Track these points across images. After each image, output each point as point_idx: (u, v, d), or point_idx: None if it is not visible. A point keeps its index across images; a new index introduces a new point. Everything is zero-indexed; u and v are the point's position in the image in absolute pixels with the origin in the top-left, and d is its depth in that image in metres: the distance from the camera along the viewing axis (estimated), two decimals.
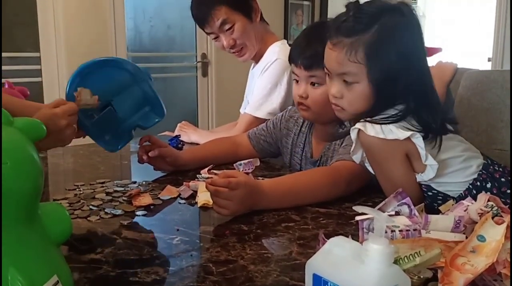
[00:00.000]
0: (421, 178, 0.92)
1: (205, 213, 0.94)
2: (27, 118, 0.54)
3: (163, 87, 3.46)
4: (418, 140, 0.87)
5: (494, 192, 0.91)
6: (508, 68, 3.97)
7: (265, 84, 1.60)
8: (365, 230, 0.72)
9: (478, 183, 0.93)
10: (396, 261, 0.50)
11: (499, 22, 4.53)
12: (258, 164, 1.32)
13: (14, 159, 0.48)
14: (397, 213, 0.76)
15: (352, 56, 0.90)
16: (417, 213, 0.76)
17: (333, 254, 0.50)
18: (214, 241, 0.80)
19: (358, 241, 0.53)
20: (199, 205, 0.97)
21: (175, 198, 1.02)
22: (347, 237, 0.53)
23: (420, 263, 0.55)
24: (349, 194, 1.01)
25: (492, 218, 0.64)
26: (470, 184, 0.93)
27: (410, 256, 0.54)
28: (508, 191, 0.93)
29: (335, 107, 0.98)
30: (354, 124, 0.92)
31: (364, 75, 0.90)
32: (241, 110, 1.80)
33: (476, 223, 0.67)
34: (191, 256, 0.74)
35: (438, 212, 0.82)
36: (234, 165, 1.28)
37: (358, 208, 0.56)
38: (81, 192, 1.06)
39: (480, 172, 0.94)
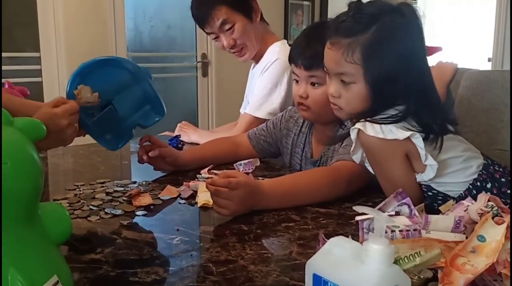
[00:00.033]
0: (421, 178, 0.92)
1: (205, 213, 0.94)
2: (27, 118, 0.54)
3: (163, 87, 3.45)
4: (418, 140, 0.87)
5: (494, 192, 0.91)
6: (508, 68, 3.97)
7: (265, 84, 1.60)
8: (365, 230, 0.72)
9: (478, 183, 0.93)
10: (396, 261, 0.50)
11: (499, 22, 4.53)
12: (258, 164, 1.32)
13: (14, 159, 0.48)
14: (397, 213, 0.76)
15: (349, 57, 0.90)
16: (417, 213, 0.76)
17: (333, 254, 0.50)
18: (214, 241, 0.80)
19: (358, 241, 0.53)
20: (199, 205, 0.97)
21: (175, 198, 1.02)
22: (347, 237, 0.53)
23: (420, 263, 0.55)
24: (349, 194, 1.01)
25: (492, 218, 0.64)
26: (470, 184, 0.93)
27: (410, 256, 0.54)
28: (508, 191, 0.93)
29: (333, 106, 0.98)
30: (354, 125, 0.92)
31: (361, 76, 0.90)
32: (241, 110, 1.79)
33: (476, 223, 0.67)
34: (191, 256, 0.74)
35: (438, 212, 0.82)
36: (234, 165, 1.28)
37: (358, 208, 0.56)
38: (81, 192, 1.06)
39: (480, 172, 0.94)
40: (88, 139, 1.12)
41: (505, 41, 4.46)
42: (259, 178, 1.11)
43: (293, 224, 0.87)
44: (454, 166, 0.93)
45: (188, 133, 1.65)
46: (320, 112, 1.17)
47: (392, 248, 0.46)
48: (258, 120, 1.55)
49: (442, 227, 0.69)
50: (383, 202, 0.78)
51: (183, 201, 1.00)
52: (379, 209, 0.75)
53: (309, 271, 0.51)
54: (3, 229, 0.47)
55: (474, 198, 0.79)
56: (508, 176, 0.95)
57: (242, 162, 1.28)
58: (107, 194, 1.04)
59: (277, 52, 1.61)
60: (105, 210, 0.93)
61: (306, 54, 1.13)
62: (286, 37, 3.91)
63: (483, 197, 0.76)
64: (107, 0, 2.96)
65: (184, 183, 1.09)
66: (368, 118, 0.90)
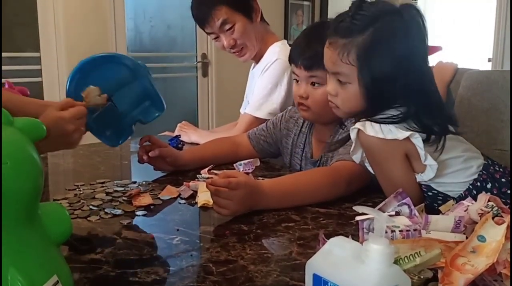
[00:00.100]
0: (421, 178, 0.92)
1: (205, 213, 0.94)
2: (28, 118, 0.54)
3: (163, 87, 3.45)
4: (417, 140, 0.87)
5: (495, 192, 0.91)
6: (508, 68, 3.97)
7: (266, 85, 1.60)
8: (365, 230, 0.72)
9: (479, 183, 0.93)
10: (396, 261, 0.51)
11: (499, 22, 4.53)
12: (258, 164, 1.32)
13: (14, 159, 0.47)
14: (397, 213, 0.76)
15: (344, 57, 0.90)
16: (417, 213, 0.76)
17: (333, 254, 0.50)
18: (214, 241, 0.80)
19: (358, 241, 0.53)
20: (199, 205, 0.97)
21: (175, 198, 1.02)
22: (347, 237, 0.53)
23: (420, 263, 0.55)
24: (349, 194, 1.01)
25: (493, 218, 0.64)
26: (470, 184, 0.93)
27: (411, 256, 0.54)
28: (509, 191, 0.93)
29: (331, 104, 0.99)
30: (354, 124, 0.92)
31: (355, 76, 0.90)
32: (241, 111, 1.79)
33: (476, 223, 0.67)
34: (191, 256, 0.74)
35: (438, 212, 0.82)
36: (234, 165, 1.28)
37: (358, 208, 0.56)
38: (81, 192, 1.06)
39: (481, 172, 0.94)
40: (88, 139, 1.12)
41: (505, 41, 4.47)
42: (259, 178, 1.11)
43: (293, 224, 0.87)
44: (454, 166, 0.93)
45: (188, 134, 1.65)
46: (320, 113, 1.17)
47: (392, 248, 0.46)
48: (258, 121, 1.55)
49: (442, 227, 0.69)
50: (383, 202, 0.78)
51: (183, 201, 1.00)
52: (379, 209, 0.75)
53: (309, 271, 0.51)
54: (3, 229, 0.47)
55: (474, 198, 0.79)
56: (508, 176, 0.95)
57: (242, 162, 1.28)
58: (107, 194, 1.04)
59: (277, 52, 1.61)
60: (105, 210, 0.93)
61: (306, 55, 1.13)
62: (286, 37, 3.91)
63: (483, 197, 0.76)
64: (107, 0, 2.95)
65: (184, 183, 1.09)
66: (369, 118, 0.90)
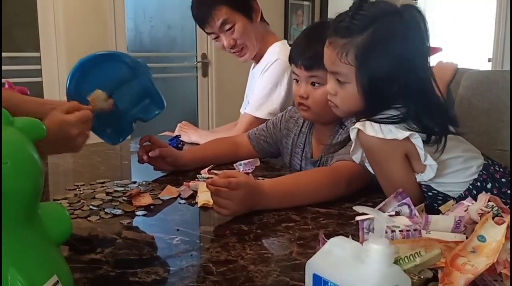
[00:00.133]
0: (421, 178, 0.92)
1: (205, 213, 0.94)
2: (28, 118, 0.54)
3: (163, 87, 3.44)
4: (417, 140, 0.87)
5: (495, 192, 0.91)
6: (508, 68, 3.97)
7: (266, 85, 1.60)
8: (365, 230, 0.72)
9: (479, 183, 0.93)
10: (396, 261, 0.51)
11: (499, 22, 4.54)
12: (258, 164, 1.32)
13: (14, 159, 0.47)
14: (397, 213, 0.76)
15: (343, 57, 0.90)
16: (417, 213, 0.76)
17: (333, 254, 0.50)
18: (214, 241, 0.80)
19: (358, 241, 0.53)
20: (199, 205, 0.97)
21: (175, 198, 1.02)
22: (347, 237, 0.53)
23: (421, 263, 0.55)
24: (349, 194, 1.01)
25: (493, 218, 0.64)
26: (470, 184, 0.93)
27: (411, 256, 0.54)
28: (509, 191, 0.93)
29: (330, 103, 0.99)
30: (354, 124, 0.92)
31: (354, 76, 0.90)
32: (241, 111, 1.80)
33: (477, 223, 0.67)
34: (191, 256, 0.74)
35: (438, 212, 0.82)
36: (234, 165, 1.28)
37: (358, 208, 0.56)
38: (81, 192, 1.06)
39: (481, 172, 0.94)
40: (88, 139, 1.12)
41: (505, 41, 4.47)
42: (259, 178, 1.11)
43: (293, 224, 0.87)
44: (454, 166, 0.93)
45: (188, 134, 1.65)
46: (320, 113, 1.17)
47: (392, 248, 0.46)
48: (258, 121, 1.55)
49: (442, 227, 0.69)
50: (383, 202, 0.78)
51: (183, 201, 1.00)
52: (379, 209, 0.75)
53: (309, 271, 0.51)
54: (3, 229, 0.47)
55: (474, 198, 0.79)
56: (508, 176, 0.95)
57: (242, 162, 1.28)
58: (107, 194, 1.04)
59: (277, 52, 1.61)
60: (105, 210, 0.93)
61: (306, 55, 1.13)
62: (286, 37, 3.91)
63: (483, 197, 0.76)
64: (107, 0, 2.95)
65: (184, 183, 1.09)
66: (369, 118, 0.90)
